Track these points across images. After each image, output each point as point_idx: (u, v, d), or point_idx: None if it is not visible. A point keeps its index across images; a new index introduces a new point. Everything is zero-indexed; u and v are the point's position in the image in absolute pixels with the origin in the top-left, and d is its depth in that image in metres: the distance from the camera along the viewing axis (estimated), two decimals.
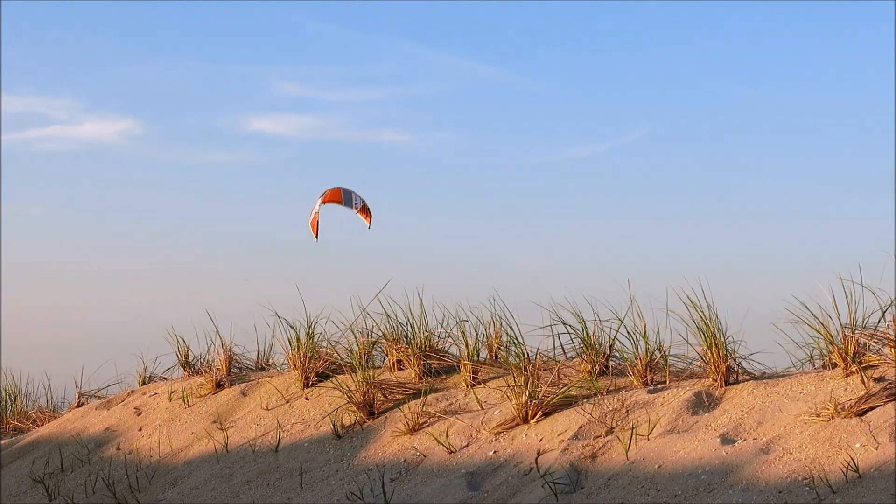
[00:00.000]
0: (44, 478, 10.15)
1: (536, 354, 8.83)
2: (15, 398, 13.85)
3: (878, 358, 7.33)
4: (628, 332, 8.44)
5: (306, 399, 9.81)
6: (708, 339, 7.87)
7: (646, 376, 8.20)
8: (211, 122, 23.49)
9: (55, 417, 12.51)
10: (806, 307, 7.66)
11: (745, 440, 6.90)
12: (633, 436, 7.33)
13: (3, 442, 12.30)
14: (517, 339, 9.03)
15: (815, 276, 7.86)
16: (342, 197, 10.27)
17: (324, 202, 10.18)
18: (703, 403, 7.57)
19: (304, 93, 22.59)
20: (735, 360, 7.84)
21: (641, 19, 21.52)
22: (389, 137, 22.39)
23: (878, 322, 7.49)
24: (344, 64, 22.52)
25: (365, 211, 10.29)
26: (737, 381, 7.75)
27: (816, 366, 7.96)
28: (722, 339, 7.84)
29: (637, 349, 8.36)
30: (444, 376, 9.39)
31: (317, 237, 10.18)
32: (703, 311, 7.93)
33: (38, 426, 12.65)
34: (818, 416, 6.82)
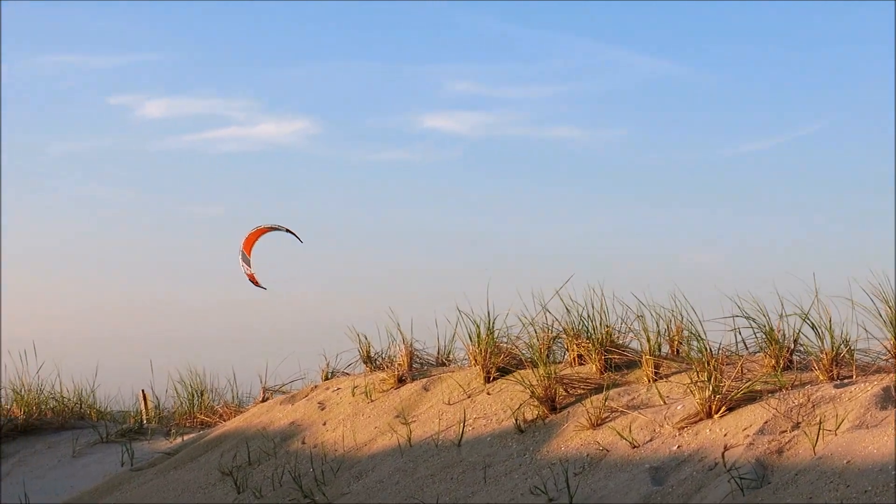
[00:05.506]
0: (232, 471, 10.36)
1: (719, 349, 8.77)
2: (202, 393, 14.19)
3: None
4: (813, 326, 8.34)
5: (487, 394, 9.86)
6: None
7: (831, 371, 8.09)
8: (385, 120, 23.74)
9: (240, 412, 12.76)
10: None
11: None
12: (821, 431, 7.24)
13: (191, 436, 12.59)
14: (698, 334, 8.98)
15: None
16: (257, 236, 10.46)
17: (246, 249, 10.34)
18: (891, 398, 7.44)
19: (477, 90, 22.72)
20: None
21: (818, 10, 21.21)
22: (562, 134, 22.41)
23: None
24: (517, 61, 22.62)
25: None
26: None
27: None
28: None
29: (822, 343, 8.25)
30: (625, 371, 9.37)
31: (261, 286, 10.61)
32: (891, 304, 7.81)
33: (224, 420, 12.92)
34: None
